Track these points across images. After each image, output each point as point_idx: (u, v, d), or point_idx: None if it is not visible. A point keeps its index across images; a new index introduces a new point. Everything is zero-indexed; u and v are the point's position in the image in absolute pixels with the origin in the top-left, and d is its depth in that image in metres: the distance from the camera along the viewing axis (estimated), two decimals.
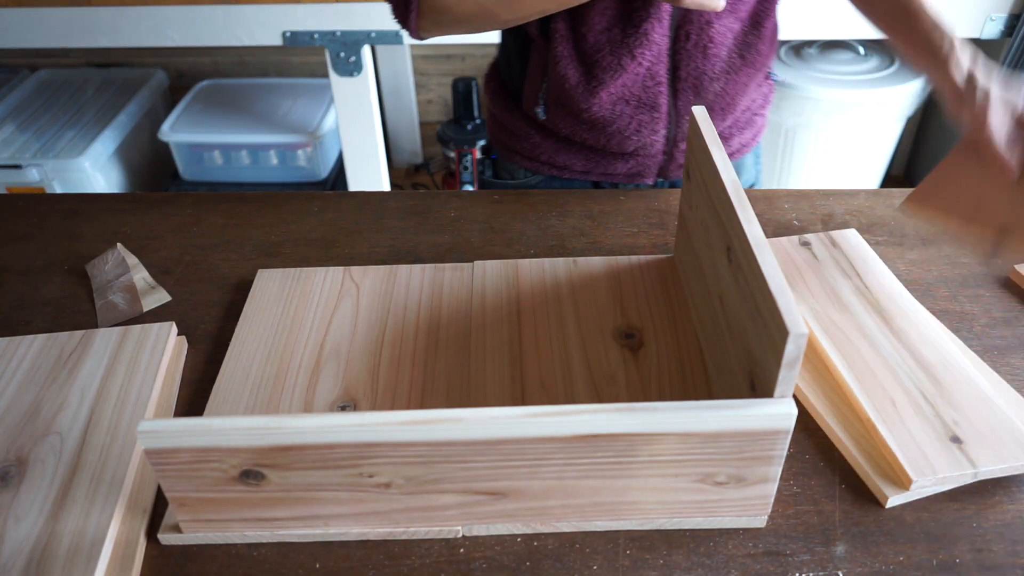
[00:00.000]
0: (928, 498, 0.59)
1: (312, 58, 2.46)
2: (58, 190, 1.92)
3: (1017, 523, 0.57)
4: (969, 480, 0.58)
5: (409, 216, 0.91)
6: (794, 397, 0.61)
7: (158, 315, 0.78)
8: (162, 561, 0.56)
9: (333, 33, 1.72)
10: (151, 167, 2.24)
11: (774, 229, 0.88)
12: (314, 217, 0.91)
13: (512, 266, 0.80)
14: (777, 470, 0.54)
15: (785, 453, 0.53)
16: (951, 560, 0.55)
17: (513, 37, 0.92)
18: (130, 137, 2.10)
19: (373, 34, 1.72)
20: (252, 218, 0.92)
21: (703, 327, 0.69)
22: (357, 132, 1.85)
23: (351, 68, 1.75)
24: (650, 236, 0.87)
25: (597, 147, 0.92)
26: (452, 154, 2.24)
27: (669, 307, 0.74)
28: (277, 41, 1.75)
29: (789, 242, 0.82)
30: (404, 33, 1.72)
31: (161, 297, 0.80)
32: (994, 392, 0.64)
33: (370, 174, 1.92)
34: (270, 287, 0.78)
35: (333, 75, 1.76)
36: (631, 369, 0.68)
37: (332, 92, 1.82)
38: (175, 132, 2.05)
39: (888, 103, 1.95)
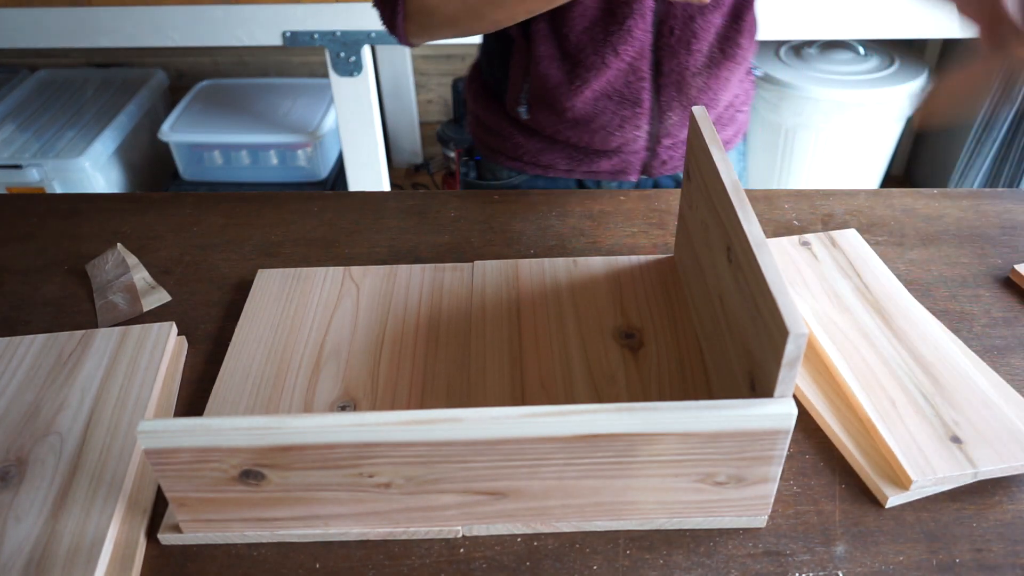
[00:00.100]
0: (928, 498, 0.59)
1: (312, 58, 2.46)
2: (58, 190, 1.92)
3: (1017, 523, 0.57)
4: (969, 480, 0.58)
5: (409, 216, 0.91)
6: (794, 397, 0.61)
7: (158, 315, 0.78)
8: (162, 561, 0.56)
9: (333, 33, 1.72)
10: (151, 167, 2.24)
11: (774, 229, 0.88)
12: (314, 217, 0.91)
13: (512, 266, 0.80)
14: (777, 470, 0.54)
15: (785, 453, 0.53)
16: (951, 560, 0.55)
17: (495, 37, 0.92)
18: (130, 137, 2.10)
19: (373, 34, 1.72)
20: (252, 218, 0.92)
21: (703, 327, 0.69)
22: (357, 132, 1.85)
23: (351, 68, 1.75)
24: (650, 236, 0.87)
25: (580, 145, 0.92)
26: (452, 154, 2.24)
27: (669, 307, 0.74)
28: (277, 41, 1.75)
29: (789, 242, 0.82)
30: None
31: (161, 297, 0.80)
32: (994, 392, 0.64)
33: (370, 174, 1.92)
34: (270, 287, 0.78)
35: (333, 75, 1.76)
36: (631, 369, 0.68)
37: (332, 92, 1.82)
38: (175, 132, 2.05)
39: (888, 103, 1.95)
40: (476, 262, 0.80)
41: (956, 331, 0.73)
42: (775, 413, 0.50)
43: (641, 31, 0.81)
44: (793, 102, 1.98)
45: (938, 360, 0.67)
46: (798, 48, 2.10)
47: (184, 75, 2.48)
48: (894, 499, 0.58)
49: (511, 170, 0.99)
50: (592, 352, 0.70)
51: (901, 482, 0.58)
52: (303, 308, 0.75)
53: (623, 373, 0.68)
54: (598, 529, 0.57)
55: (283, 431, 0.50)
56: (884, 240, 0.86)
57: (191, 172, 2.13)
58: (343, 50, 1.73)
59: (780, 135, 2.09)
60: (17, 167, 1.89)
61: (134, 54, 2.45)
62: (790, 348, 0.47)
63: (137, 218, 0.92)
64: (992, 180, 1.81)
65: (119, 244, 0.86)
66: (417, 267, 0.80)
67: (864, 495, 0.60)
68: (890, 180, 2.46)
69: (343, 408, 0.66)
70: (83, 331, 0.73)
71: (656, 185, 1.00)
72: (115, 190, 2.05)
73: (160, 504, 0.60)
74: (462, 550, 0.57)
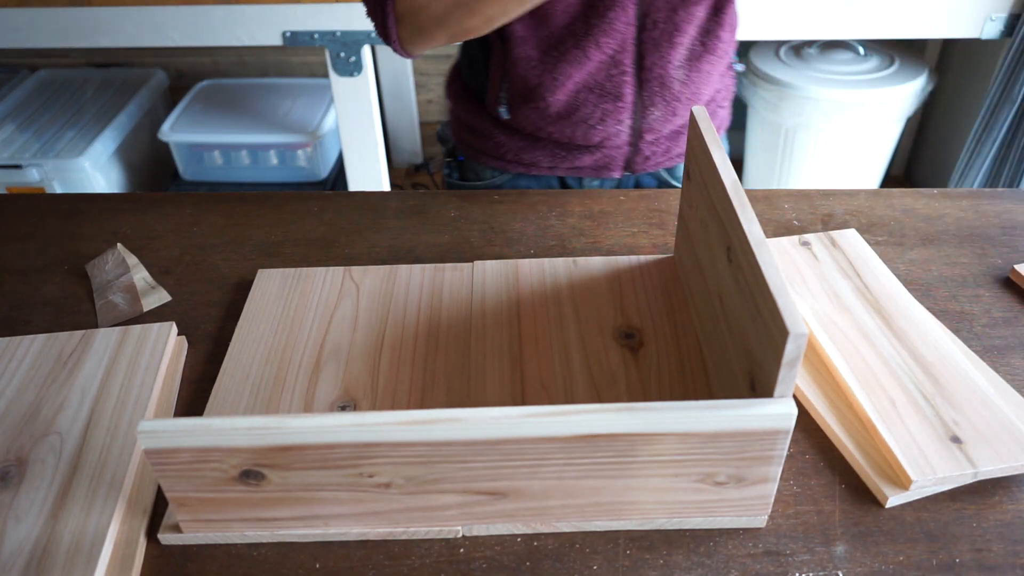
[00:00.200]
0: (928, 498, 0.59)
1: (312, 58, 2.46)
2: (58, 190, 1.92)
3: (1017, 523, 0.57)
4: (969, 480, 0.58)
5: (409, 216, 0.91)
6: (794, 397, 0.61)
7: (158, 315, 0.78)
8: (162, 561, 0.56)
9: (333, 33, 1.72)
10: (151, 167, 2.24)
11: (774, 229, 0.88)
12: (314, 217, 0.91)
13: (512, 266, 0.80)
14: (777, 470, 0.54)
15: (785, 453, 0.53)
16: (951, 560, 0.55)
17: (475, 38, 0.92)
18: (130, 137, 2.10)
19: (373, 34, 1.71)
20: (252, 218, 0.92)
21: (703, 327, 0.69)
22: (357, 132, 1.85)
23: (351, 68, 1.75)
24: (650, 236, 0.87)
25: (563, 141, 0.92)
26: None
27: (669, 307, 0.74)
28: (277, 41, 1.75)
29: (789, 242, 0.82)
30: None
31: (161, 297, 0.80)
32: (994, 392, 0.64)
33: (370, 174, 1.92)
34: (270, 287, 0.78)
35: (333, 75, 1.76)
36: (631, 369, 0.68)
37: (332, 92, 1.82)
38: (175, 132, 2.05)
39: (888, 103, 1.95)
40: (476, 262, 0.80)
41: (956, 331, 0.73)
42: (775, 413, 0.50)
43: (623, 24, 0.81)
44: (793, 102, 1.98)
45: (938, 360, 0.67)
46: (798, 48, 2.10)
47: (184, 75, 2.48)
48: (894, 499, 0.58)
49: (494, 169, 0.99)
50: (592, 352, 0.70)
51: (901, 482, 0.58)
52: (303, 308, 0.75)
53: (623, 373, 0.68)
54: (598, 529, 0.57)
55: (283, 431, 0.50)
56: (884, 240, 0.86)
57: (191, 172, 2.13)
58: (343, 50, 1.73)
59: (780, 135, 2.09)
60: (17, 167, 1.89)
61: (134, 54, 2.45)
62: (790, 348, 0.47)
63: (137, 218, 0.92)
64: (992, 180, 1.81)
65: (119, 244, 0.86)
66: (417, 267, 0.80)
67: (864, 495, 0.60)
68: (890, 180, 2.46)
69: (343, 408, 0.66)
70: (83, 331, 0.73)
71: (638, 184, 1.00)
72: (115, 190, 2.05)
73: (160, 504, 0.60)
74: (462, 550, 0.57)
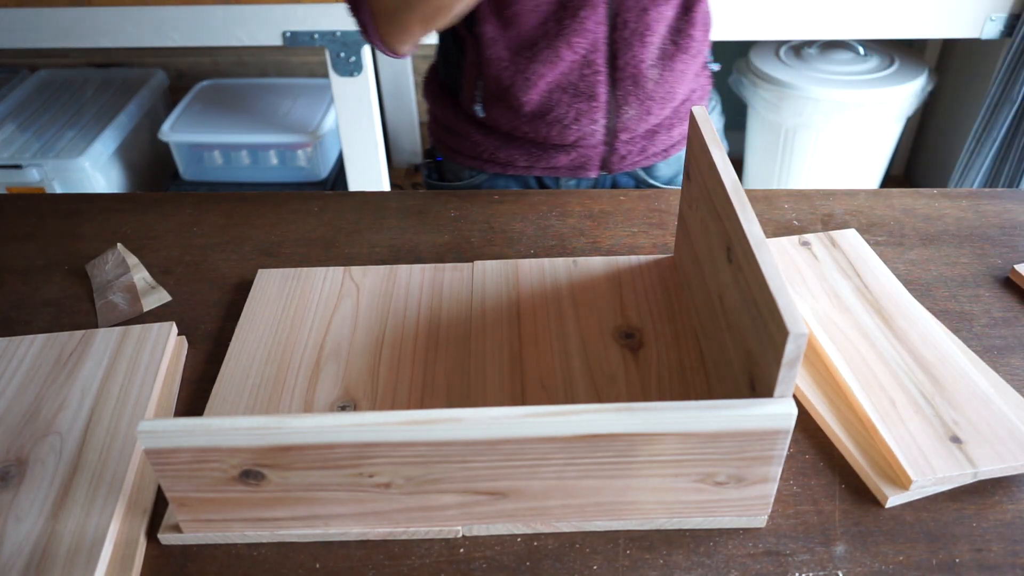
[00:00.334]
0: (928, 498, 0.59)
1: (312, 58, 2.46)
2: (58, 190, 1.92)
3: (1017, 523, 0.57)
4: (969, 480, 0.58)
5: (409, 216, 0.91)
6: (794, 397, 0.61)
7: (158, 315, 0.78)
8: (162, 561, 0.56)
9: (333, 33, 1.72)
10: (151, 167, 2.24)
11: (774, 229, 0.88)
12: (314, 217, 0.91)
13: (512, 266, 0.80)
14: (777, 470, 0.54)
15: (785, 453, 0.53)
16: (951, 560, 0.55)
17: (450, 36, 0.92)
18: (130, 137, 2.10)
19: None
20: (252, 218, 0.92)
21: (703, 327, 0.69)
22: (357, 132, 1.85)
23: (351, 68, 1.75)
24: (650, 236, 0.87)
25: (538, 140, 0.92)
26: None
27: (669, 307, 0.74)
28: (277, 41, 1.75)
29: (789, 242, 0.82)
30: None
31: (161, 297, 0.80)
32: (994, 392, 0.64)
33: (370, 174, 1.92)
34: (270, 287, 0.78)
35: (333, 75, 1.76)
36: (631, 369, 0.68)
37: (332, 92, 1.82)
38: (175, 132, 2.05)
39: (888, 103, 1.95)
40: (476, 262, 0.80)
41: (956, 331, 0.73)
42: (775, 413, 0.50)
43: (594, 23, 0.82)
44: (793, 102, 1.98)
45: (938, 360, 0.67)
46: (798, 48, 2.10)
47: (184, 75, 2.48)
48: (894, 499, 0.58)
49: (471, 169, 0.99)
50: (592, 352, 0.70)
51: (901, 482, 0.58)
52: (303, 308, 0.75)
53: (623, 373, 0.68)
54: (598, 529, 0.57)
55: (283, 431, 0.50)
56: (884, 240, 0.86)
57: (191, 172, 2.13)
58: (343, 50, 1.73)
59: (780, 135, 2.09)
60: (17, 167, 1.89)
61: (134, 54, 2.45)
62: (790, 348, 0.47)
63: (137, 218, 0.92)
64: (992, 180, 1.81)
65: (119, 244, 0.86)
66: (417, 267, 0.80)
67: (864, 495, 0.60)
68: (890, 180, 2.46)
69: (343, 408, 0.66)
70: (83, 331, 0.73)
71: (615, 183, 1.00)
72: (115, 190, 2.05)
73: (160, 504, 0.60)
74: (462, 550, 0.57)
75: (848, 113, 1.95)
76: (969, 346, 0.71)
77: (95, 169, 1.94)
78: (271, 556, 0.57)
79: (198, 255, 0.86)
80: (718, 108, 2.15)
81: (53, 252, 0.87)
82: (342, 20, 1.71)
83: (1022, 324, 0.74)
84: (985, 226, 0.88)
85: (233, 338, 0.72)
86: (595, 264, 0.80)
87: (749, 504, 0.56)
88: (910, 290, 0.77)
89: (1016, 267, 0.79)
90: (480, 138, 0.95)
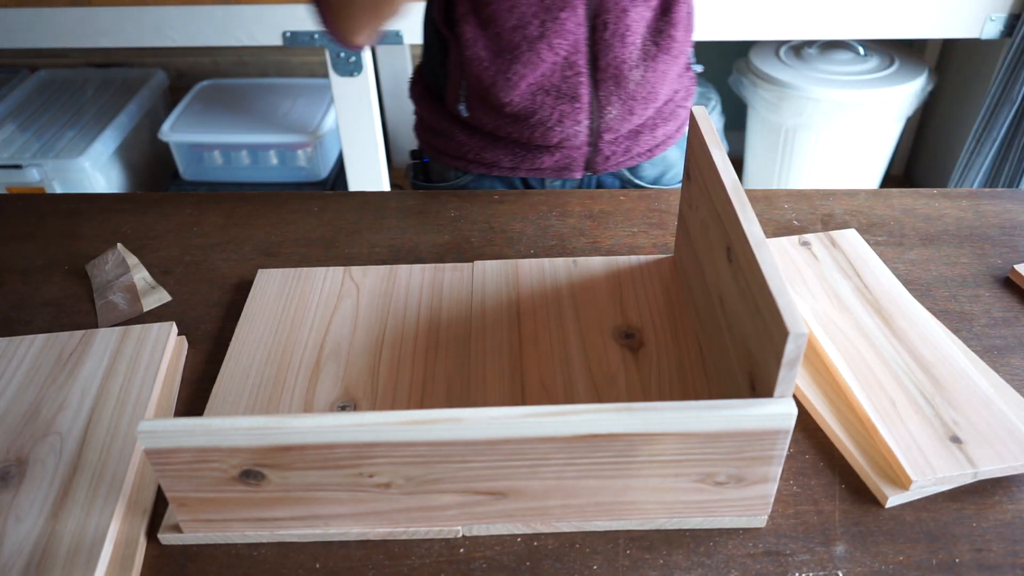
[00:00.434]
0: (928, 498, 0.59)
1: (312, 58, 2.46)
2: (58, 190, 1.92)
3: (1017, 523, 0.57)
4: (969, 480, 0.58)
5: (409, 216, 0.91)
6: (794, 397, 0.61)
7: (158, 315, 0.78)
8: (162, 561, 0.56)
9: None
10: (151, 167, 2.24)
11: (774, 229, 0.88)
12: (314, 217, 0.91)
13: (512, 266, 0.80)
14: (777, 470, 0.54)
15: (785, 453, 0.53)
16: (951, 560, 0.55)
17: (434, 36, 0.92)
18: (130, 137, 2.10)
19: None
20: (252, 218, 0.92)
21: (703, 327, 0.69)
22: (357, 132, 1.85)
23: (351, 68, 1.75)
24: (650, 236, 0.87)
25: (522, 141, 0.92)
26: None
27: (669, 307, 0.74)
28: (277, 41, 1.75)
29: (789, 242, 0.82)
30: (404, 33, 1.72)
31: (161, 297, 0.80)
32: (994, 392, 0.64)
33: (370, 174, 1.92)
34: (270, 287, 0.78)
35: (333, 75, 1.76)
36: (631, 369, 0.68)
37: (332, 92, 1.82)
38: (175, 132, 2.05)
39: (888, 103, 1.95)
40: (476, 262, 0.80)
41: (956, 331, 0.73)
42: (775, 413, 0.50)
43: (574, 24, 0.82)
44: (793, 102, 1.98)
45: (938, 360, 0.67)
46: (798, 48, 2.10)
47: (184, 75, 2.48)
48: (894, 499, 0.58)
49: (457, 170, 0.99)
50: (592, 352, 0.70)
51: (901, 482, 0.58)
52: (303, 308, 0.75)
53: (623, 373, 0.68)
54: (598, 529, 0.57)
55: (283, 431, 0.50)
56: (884, 240, 0.86)
57: (191, 172, 2.12)
58: (343, 50, 1.73)
59: (780, 135, 2.09)
60: (17, 167, 1.89)
61: (134, 54, 2.44)
62: (790, 348, 0.47)
63: (137, 218, 0.92)
64: (992, 180, 1.81)
65: (119, 244, 0.86)
66: (417, 267, 0.80)
67: (864, 495, 0.60)
68: (890, 180, 2.46)
69: (343, 408, 0.66)
70: (83, 331, 0.73)
71: (600, 184, 1.00)
72: (115, 190, 2.05)
73: (160, 504, 0.60)
74: (462, 550, 0.57)
75: (848, 113, 1.95)
76: (969, 346, 0.71)
77: (95, 169, 1.94)
78: (271, 556, 0.57)
79: (198, 255, 0.86)
80: (718, 108, 2.16)
81: (53, 252, 0.87)
82: None
83: (1022, 324, 0.74)
84: (985, 226, 0.88)
85: (233, 338, 0.72)
86: (595, 264, 0.80)
87: (749, 504, 0.56)
88: (910, 290, 0.77)
89: (1016, 267, 0.79)
90: (465, 138, 0.95)
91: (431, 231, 0.89)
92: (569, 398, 0.66)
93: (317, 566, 0.56)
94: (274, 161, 2.09)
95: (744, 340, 0.56)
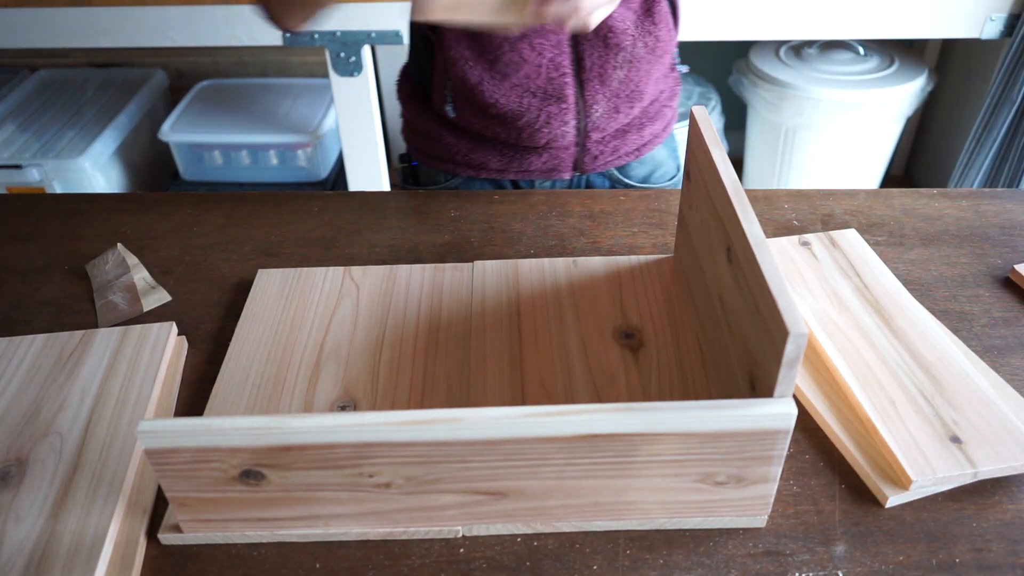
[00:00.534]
0: (928, 498, 0.59)
1: (312, 58, 2.46)
2: (58, 190, 1.92)
3: (1017, 523, 0.57)
4: (969, 480, 0.58)
5: (409, 216, 0.91)
6: (794, 397, 0.61)
7: (158, 315, 0.78)
8: (162, 561, 0.56)
9: (333, 33, 1.72)
10: (151, 167, 2.24)
11: (774, 229, 0.88)
12: (314, 217, 0.91)
13: (512, 266, 0.80)
14: (777, 470, 0.54)
15: (785, 453, 0.53)
16: (951, 560, 0.55)
17: (420, 36, 0.92)
18: (130, 137, 2.10)
19: (373, 34, 1.72)
20: (252, 218, 0.92)
21: (703, 327, 0.69)
22: (357, 132, 1.85)
23: (351, 68, 1.75)
24: (650, 236, 0.87)
25: (510, 142, 0.92)
26: None
27: (669, 307, 0.74)
28: (277, 41, 1.75)
29: (789, 242, 0.82)
30: (404, 33, 1.72)
31: (161, 297, 0.80)
32: (994, 392, 0.64)
33: (370, 174, 1.92)
34: (270, 287, 0.78)
35: (333, 75, 1.76)
36: (631, 369, 0.68)
37: (332, 92, 1.82)
38: (175, 132, 2.05)
39: (888, 103, 1.95)
40: (476, 262, 0.80)
41: (956, 331, 0.73)
42: (775, 413, 0.50)
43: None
44: (793, 102, 1.98)
45: (938, 360, 0.67)
46: (798, 48, 2.10)
47: (184, 75, 2.47)
48: (894, 499, 0.58)
49: (446, 173, 0.99)
50: (592, 352, 0.70)
51: (901, 482, 0.58)
52: (303, 308, 0.75)
53: (623, 373, 0.68)
54: (598, 529, 0.57)
55: (283, 431, 0.50)
56: (884, 240, 0.86)
57: (191, 172, 2.12)
58: (343, 50, 1.73)
59: (780, 135, 2.09)
60: (17, 167, 1.89)
61: (134, 54, 2.44)
62: (790, 348, 0.47)
63: (137, 218, 0.92)
64: (992, 180, 1.81)
65: (119, 244, 0.86)
66: (417, 267, 0.80)
67: (864, 495, 0.60)
68: (890, 180, 2.46)
69: (343, 408, 0.66)
70: (83, 331, 0.73)
71: (588, 184, 1.00)
72: (115, 190, 2.05)
73: (160, 504, 0.60)
74: (462, 550, 0.57)
75: (848, 113, 1.95)
76: (969, 346, 0.71)
77: (95, 169, 1.94)
78: (271, 556, 0.57)
79: (198, 255, 0.86)
80: (718, 108, 2.16)
81: (53, 252, 0.87)
82: (342, 20, 1.71)
83: (1022, 324, 0.74)
84: (985, 226, 0.88)
85: (233, 338, 0.72)
86: (595, 264, 0.80)
87: (749, 504, 0.56)
88: (910, 290, 0.77)
89: (1016, 267, 0.79)
90: (452, 140, 0.95)
91: (431, 231, 0.89)
92: (569, 398, 0.66)
93: (317, 566, 0.56)
94: (274, 161, 2.09)
95: (744, 340, 0.56)
